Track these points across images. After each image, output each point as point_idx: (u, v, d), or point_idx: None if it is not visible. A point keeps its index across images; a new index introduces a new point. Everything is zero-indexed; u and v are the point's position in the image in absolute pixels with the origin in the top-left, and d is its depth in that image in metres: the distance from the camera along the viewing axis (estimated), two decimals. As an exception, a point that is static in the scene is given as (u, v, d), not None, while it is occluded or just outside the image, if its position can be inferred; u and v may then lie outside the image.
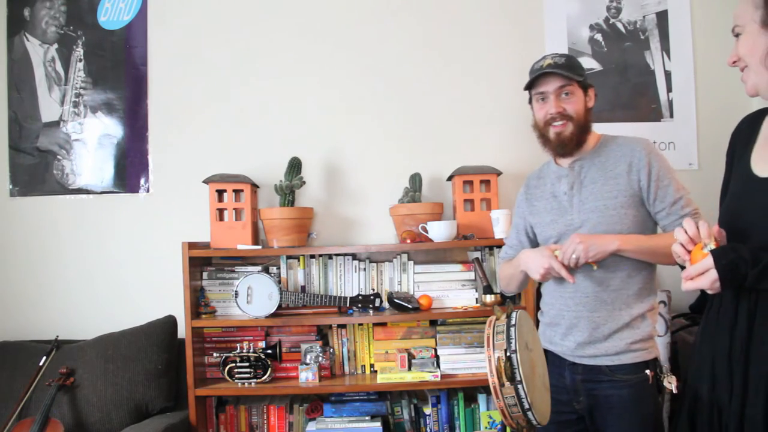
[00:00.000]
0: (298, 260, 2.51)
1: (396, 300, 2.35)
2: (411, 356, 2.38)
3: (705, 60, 2.68)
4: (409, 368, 2.34)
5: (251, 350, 2.34)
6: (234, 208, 2.45)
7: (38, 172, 2.67)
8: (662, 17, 2.70)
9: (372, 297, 2.37)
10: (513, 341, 1.31)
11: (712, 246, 1.12)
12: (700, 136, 2.67)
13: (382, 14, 2.69)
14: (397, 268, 2.50)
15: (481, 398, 2.38)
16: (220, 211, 2.46)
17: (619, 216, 1.58)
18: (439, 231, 2.37)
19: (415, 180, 2.52)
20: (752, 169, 1.22)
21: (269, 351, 2.36)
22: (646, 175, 1.58)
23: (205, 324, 2.40)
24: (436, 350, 2.41)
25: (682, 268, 1.20)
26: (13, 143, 2.68)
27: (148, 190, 2.67)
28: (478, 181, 2.47)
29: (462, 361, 2.38)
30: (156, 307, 2.50)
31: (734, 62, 1.24)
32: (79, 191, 2.68)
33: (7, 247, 2.66)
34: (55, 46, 2.70)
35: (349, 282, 2.51)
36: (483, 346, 1.39)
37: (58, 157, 2.68)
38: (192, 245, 2.35)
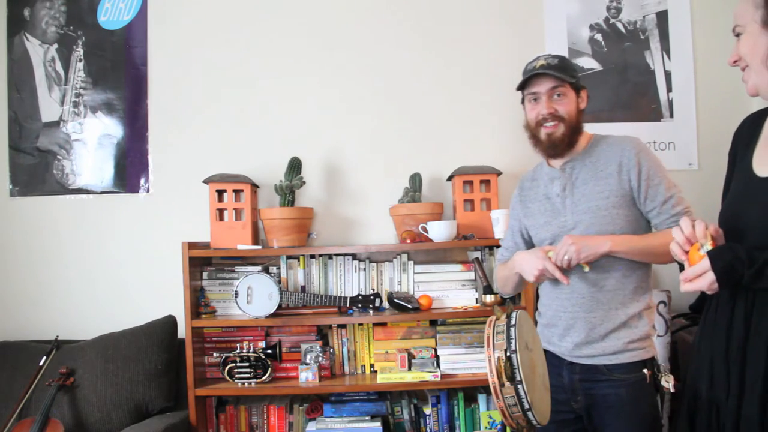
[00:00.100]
0: (298, 260, 2.51)
1: (396, 300, 2.35)
2: (411, 356, 2.38)
3: (705, 60, 2.68)
4: (409, 368, 2.34)
5: (251, 350, 2.34)
6: (234, 208, 2.45)
7: (38, 172, 2.67)
8: (662, 17, 2.70)
9: (372, 297, 2.37)
10: (513, 341, 1.31)
11: (709, 246, 1.12)
12: (700, 136, 2.67)
13: (381, 14, 2.69)
14: (397, 268, 2.50)
15: (481, 398, 2.38)
16: (220, 211, 2.46)
17: (611, 216, 1.58)
18: (439, 231, 2.37)
19: (415, 180, 2.52)
20: (753, 169, 1.22)
21: (269, 351, 2.36)
22: (636, 174, 1.58)
23: (205, 324, 2.40)
24: (436, 350, 2.41)
25: (681, 268, 1.20)
26: (13, 143, 2.68)
27: (148, 190, 2.67)
28: (478, 181, 2.47)
29: (462, 361, 2.38)
30: (156, 307, 2.50)
31: (735, 62, 1.24)
32: (79, 191, 2.68)
33: (7, 247, 2.66)
34: (55, 46, 2.70)
35: (349, 282, 2.51)
36: (483, 346, 1.39)
37: (58, 157, 2.68)
38: (192, 245, 2.35)
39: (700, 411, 1.26)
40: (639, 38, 2.70)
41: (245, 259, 2.55)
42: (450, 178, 2.56)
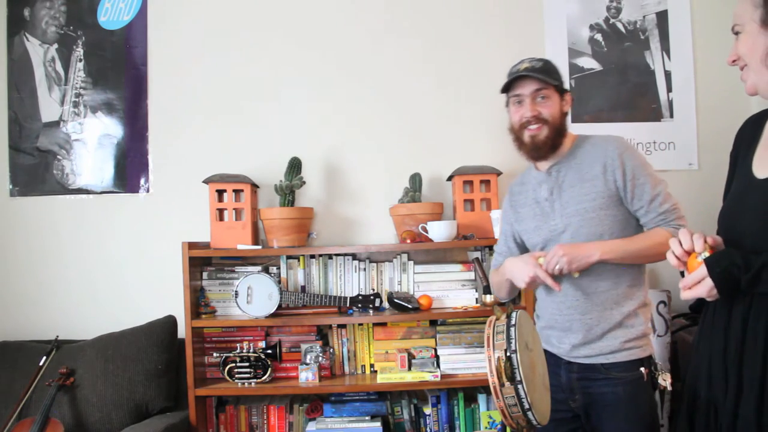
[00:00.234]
0: (298, 260, 2.51)
1: (396, 300, 2.35)
2: (411, 356, 2.38)
3: (705, 60, 2.68)
4: (409, 368, 2.34)
5: (251, 350, 2.34)
6: (234, 208, 2.45)
7: (38, 172, 2.67)
8: (662, 17, 2.70)
9: (372, 297, 2.37)
10: (513, 341, 1.31)
11: (707, 254, 1.13)
12: (700, 136, 2.67)
13: (381, 14, 2.69)
14: (397, 268, 2.50)
15: (481, 398, 2.38)
16: (220, 211, 2.46)
17: (600, 218, 1.59)
18: (439, 231, 2.37)
19: (415, 180, 2.52)
20: (753, 170, 1.22)
21: (269, 351, 2.36)
22: (621, 174, 1.58)
23: (205, 324, 2.40)
24: (436, 350, 2.41)
25: (682, 273, 1.20)
26: (13, 143, 2.68)
27: (148, 190, 2.67)
28: (478, 181, 2.47)
29: (462, 361, 2.38)
30: (156, 307, 2.50)
31: (734, 61, 1.24)
32: (79, 191, 2.68)
33: (7, 247, 2.66)
34: (55, 46, 2.70)
35: (349, 282, 2.51)
36: (483, 346, 1.39)
37: (58, 157, 2.68)
38: (192, 245, 2.35)
39: (699, 411, 1.26)
40: (639, 38, 2.70)
41: (245, 259, 2.56)
42: (450, 178, 2.56)
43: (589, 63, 2.70)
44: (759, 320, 1.12)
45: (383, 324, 2.45)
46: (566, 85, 1.69)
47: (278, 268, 2.51)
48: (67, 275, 2.65)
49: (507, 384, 1.29)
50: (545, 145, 1.63)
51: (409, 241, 2.40)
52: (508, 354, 1.30)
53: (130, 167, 2.68)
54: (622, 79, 2.70)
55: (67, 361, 2.31)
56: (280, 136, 2.66)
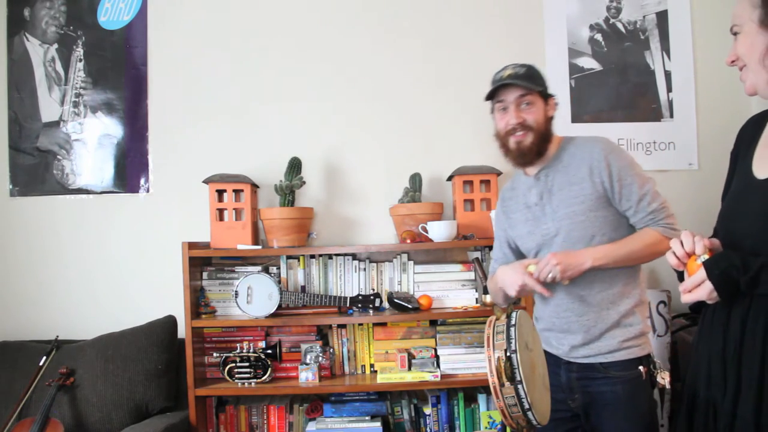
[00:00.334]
0: (298, 260, 2.51)
1: (396, 300, 2.35)
2: (411, 356, 2.38)
3: (705, 60, 2.68)
4: (409, 368, 2.34)
5: (251, 350, 2.34)
6: (234, 208, 2.45)
7: (38, 172, 2.67)
8: (662, 17, 2.70)
9: (372, 297, 2.37)
10: (513, 341, 1.31)
11: (706, 256, 1.13)
12: (700, 136, 2.67)
13: (381, 14, 2.69)
14: (397, 268, 2.50)
15: (481, 398, 2.38)
16: (220, 211, 2.46)
17: (590, 220, 1.59)
18: (439, 231, 2.37)
19: (415, 180, 2.52)
20: (752, 170, 1.22)
21: (269, 351, 2.36)
22: (608, 176, 1.57)
23: (205, 324, 2.40)
24: (436, 350, 2.41)
25: (680, 277, 1.20)
26: (13, 143, 2.68)
27: (148, 190, 2.67)
28: (478, 181, 2.47)
29: (462, 361, 2.38)
30: (156, 307, 2.50)
31: (732, 62, 1.24)
32: (79, 191, 2.68)
33: (7, 247, 2.66)
34: (55, 46, 2.70)
35: (349, 282, 2.51)
36: (483, 346, 1.39)
37: (58, 157, 2.68)
38: (192, 245, 2.35)
39: (698, 411, 1.26)
40: (639, 38, 2.70)
41: (245, 259, 2.56)
42: (450, 178, 2.56)
43: (589, 63, 2.70)
44: (757, 321, 1.12)
45: (383, 324, 2.45)
46: (550, 90, 1.68)
47: (278, 268, 2.51)
48: (67, 275, 2.65)
49: (507, 384, 1.29)
50: (531, 151, 1.63)
51: (409, 241, 2.40)
52: (508, 354, 1.30)
53: (130, 167, 2.68)
54: (622, 79, 2.70)
55: (67, 361, 2.31)
56: (280, 136, 2.66)
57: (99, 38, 2.69)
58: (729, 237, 1.20)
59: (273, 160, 2.59)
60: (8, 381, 2.29)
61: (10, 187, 2.68)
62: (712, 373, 1.22)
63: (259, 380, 2.33)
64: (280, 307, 2.36)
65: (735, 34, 1.22)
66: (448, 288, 2.47)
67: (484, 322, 1.44)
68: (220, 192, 2.47)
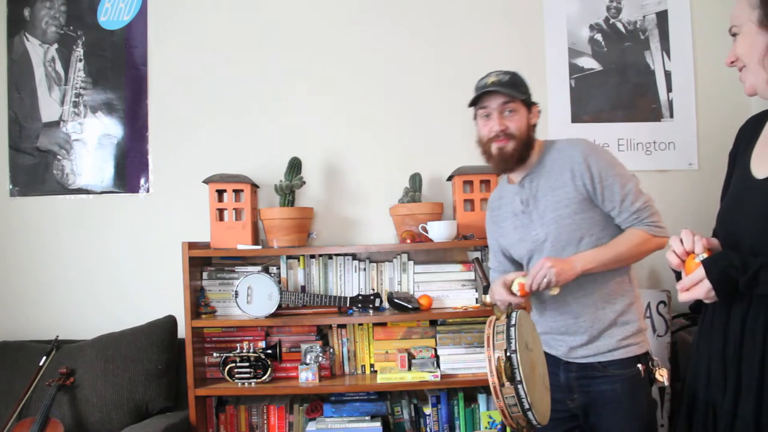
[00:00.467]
0: (298, 260, 2.51)
1: (396, 300, 2.35)
2: (411, 356, 2.38)
3: (705, 60, 2.68)
4: (409, 368, 2.34)
5: (251, 350, 2.34)
6: (234, 208, 2.45)
7: (38, 172, 2.67)
8: (662, 17, 2.70)
9: (372, 297, 2.37)
10: (513, 341, 1.31)
11: (705, 255, 1.13)
12: (700, 136, 2.67)
13: (380, 14, 2.69)
14: (397, 268, 2.50)
15: (481, 398, 2.38)
16: (220, 211, 2.46)
17: (576, 223, 1.59)
18: (439, 231, 2.37)
19: (415, 180, 2.52)
20: (751, 170, 1.22)
21: (269, 351, 2.36)
22: (589, 178, 1.57)
23: (205, 324, 2.40)
24: (436, 350, 2.41)
25: (678, 277, 1.20)
26: (13, 143, 2.68)
27: (148, 190, 2.68)
28: (478, 181, 2.47)
29: (462, 361, 2.38)
30: (156, 307, 2.50)
31: (732, 62, 1.24)
32: (79, 191, 2.68)
33: (7, 247, 2.66)
34: (55, 46, 2.70)
35: (349, 282, 2.51)
36: (483, 346, 1.39)
37: (58, 157, 2.68)
38: (192, 245, 2.35)
39: (698, 411, 1.26)
40: (639, 38, 2.70)
41: (245, 259, 2.56)
42: (450, 178, 2.56)
43: (589, 63, 2.70)
44: (757, 321, 1.12)
45: (383, 324, 2.45)
46: (534, 98, 1.69)
47: (278, 268, 2.52)
48: (67, 275, 2.65)
49: (507, 384, 1.29)
50: (512, 157, 1.63)
51: (409, 241, 2.40)
52: (508, 354, 1.30)
53: (130, 167, 2.68)
54: (622, 79, 2.70)
55: (67, 361, 2.31)
56: (280, 136, 2.66)
57: (99, 38, 2.69)
58: (728, 237, 1.20)
59: (273, 160, 2.59)
60: (8, 381, 2.29)
61: (10, 187, 2.68)
62: (711, 372, 1.22)
63: (259, 380, 2.33)
64: (280, 307, 2.36)
65: (734, 35, 1.22)
66: (448, 288, 2.47)
67: (484, 322, 1.44)
68: (220, 192, 2.47)
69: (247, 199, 2.45)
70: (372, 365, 2.46)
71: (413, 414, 2.42)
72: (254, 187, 2.56)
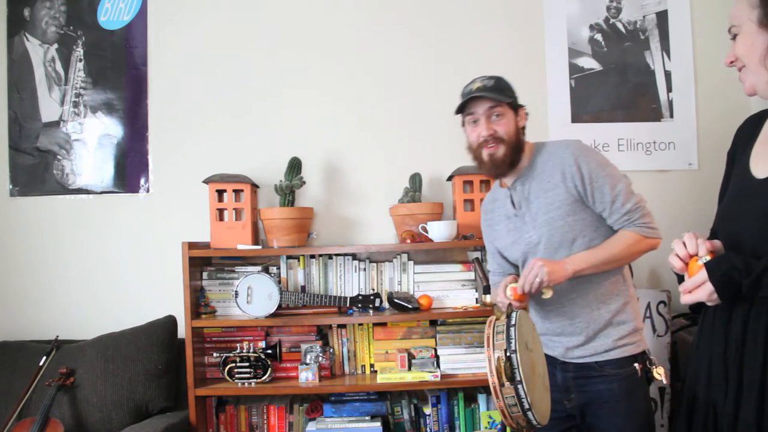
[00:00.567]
0: (298, 260, 2.51)
1: (396, 300, 2.35)
2: (411, 356, 2.38)
3: (705, 60, 2.68)
4: (409, 368, 2.34)
5: (251, 350, 2.34)
6: (234, 208, 2.45)
7: (38, 172, 2.67)
8: (662, 17, 2.70)
9: (372, 297, 2.37)
10: (513, 341, 1.31)
11: (707, 258, 1.12)
12: (700, 136, 2.67)
13: (381, 15, 2.69)
14: (397, 268, 2.50)
15: (481, 398, 2.38)
16: (220, 211, 2.46)
17: (568, 225, 1.59)
18: (439, 231, 2.37)
19: (415, 180, 2.52)
20: (750, 169, 1.22)
21: (269, 351, 2.36)
22: (579, 179, 1.57)
23: (205, 324, 2.40)
24: (436, 350, 2.41)
25: (680, 279, 1.20)
26: (13, 143, 2.68)
27: (148, 190, 2.68)
28: (478, 181, 2.47)
29: (462, 361, 2.38)
30: (156, 307, 2.50)
31: (731, 62, 1.23)
32: (79, 191, 2.68)
33: (7, 247, 2.66)
34: (55, 46, 2.70)
35: (349, 282, 2.51)
36: (483, 346, 1.39)
37: (58, 157, 2.68)
38: (192, 245, 2.35)
39: (698, 412, 1.26)
40: (639, 38, 2.70)
41: (245, 259, 2.56)
42: (450, 178, 2.56)
43: (589, 63, 2.70)
44: (759, 322, 1.12)
45: (383, 324, 2.45)
46: (520, 101, 1.69)
47: (278, 268, 2.51)
48: (67, 275, 2.65)
49: (507, 384, 1.29)
50: (504, 162, 1.63)
51: (409, 241, 2.40)
52: (508, 354, 1.30)
53: (130, 167, 2.68)
54: (622, 79, 2.70)
55: (67, 361, 2.31)
56: (280, 136, 2.66)
57: (99, 38, 2.69)
58: (729, 238, 1.19)
59: (273, 160, 2.59)
60: (8, 381, 2.29)
61: (10, 187, 2.68)
62: (712, 373, 1.21)
63: (259, 380, 2.33)
64: (280, 307, 2.36)
65: (733, 35, 1.22)
66: (448, 288, 2.47)
67: (484, 322, 1.44)
68: (220, 192, 2.47)
69: (247, 199, 2.45)
70: (372, 365, 2.46)
71: (413, 414, 2.42)
72: (254, 187, 2.56)
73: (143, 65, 2.69)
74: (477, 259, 2.44)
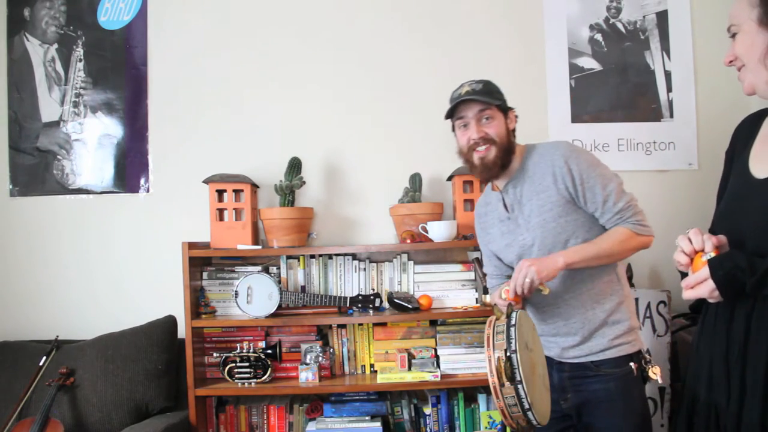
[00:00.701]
0: (298, 260, 2.51)
1: (396, 300, 2.35)
2: (411, 356, 2.38)
3: (705, 60, 2.68)
4: (409, 368, 2.34)
5: (251, 350, 2.34)
6: (234, 208, 2.45)
7: (38, 172, 2.67)
8: (662, 17, 2.70)
9: (372, 297, 2.37)
10: (513, 341, 1.31)
11: (712, 254, 1.12)
12: (700, 136, 2.67)
13: (381, 15, 2.69)
14: (397, 268, 2.50)
15: (481, 398, 2.38)
16: (220, 211, 2.46)
17: (561, 226, 1.59)
18: (439, 231, 2.37)
19: (415, 180, 2.52)
20: (750, 169, 1.21)
21: (269, 351, 2.36)
22: (570, 180, 1.58)
23: (205, 324, 2.40)
24: (436, 350, 2.41)
25: (683, 276, 1.20)
26: (13, 143, 2.68)
27: (148, 190, 2.68)
28: (478, 181, 2.47)
29: (462, 361, 2.38)
30: (156, 307, 2.50)
31: (731, 61, 1.23)
32: (79, 191, 2.68)
33: (7, 247, 2.66)
34: (55, 46, 2.70)
35: (349, 282, 2.51)
36: (483, 346, 1.39)
37: (58, 157, 2.68)
38: (192, 245, 2.35)
39: (699, 414, 1.25)
40: (639, 38, 2.70)
41: (245, 259, 2.55)
42: (450, 178, 2.56)
43: (589, 63, 2.70)
44: (763, 321, 1.11)
45: (383, 324, 2.45)
46: (509, 103, 1.70)
47: (278, 268, 2.51)
48: (67, 275, 2.65)
49: (507, 384, 1.29)
50: (495, 165, 1.64)
51: (409, 241, 2.40)
52: (508, 354, 1.30)
53: (130, 167, 2.68)
54: (622, 79, 2.70)
55: (67, 361, 2.31)
56: (280, 136, 2.66)
57: (99, 38, 2.69)
58: (730, 238, 1.19)
59: (273, 160, 2.59)
60: (8, 381, 2.29)
61: (10, 187, 2.68)
62: (714, 374, 1.21)
63: (259, 380, 2.33)
64: (280, 307, 2.36)
65: (733, 34, 1.22)
66: (448, 288, 2.47)
67: (484, 322, 1.44)
68: (220, 192, 2.47)
69: (247, 199, 2.45)
70: (372, 365, 2.46)
71: (413, 414, 2.42)
72: (254, 187, 2.56)
73: (143, 65, 2.69)
74: (477, 259, 2.44)
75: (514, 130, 1.70)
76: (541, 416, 1.34)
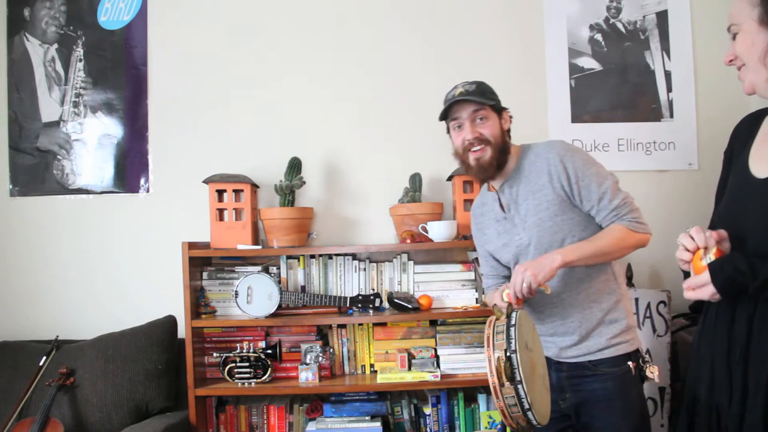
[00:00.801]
0: (298, 260, 2.51)
1: (396, 300, 2.35)
2: (411, 356, 2.38)
3: (705, 60, 2.68)
4: (409, 368, 2.34)
5: (251, 350, 2.34)
6: (234, 208, 2.45)
7: (38, 172, 2.67)
8: (662, 17, 2.70)
9: (372, 297, 2.37)
10: (513, 341, 1.31)
11: (713, 256, 1.12)
12: (700, 136, 2.67)
13: (382, 15, 2.69)
14: (397, 268, 2.50)
15: (481, 398, 2.38)
16: (220, 211, 2.46)
17: (557, 225, 1.59)
18: (439, 231, 2.37)
19: (415, 180, 2.52)
20: (750, 169, 1.21)
21: (269, 351, 2.36)
22: (566, 179, 1.58)
23: (205, 324, 2.40)
24: (436, 350, 2.41)
25: (685, 275, 1.20)
26: (13, 143, 2.68)
27: (148, 190, 2.68)
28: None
29: (462, 361, 2.38)
30: (156, 307, 2.50)
31: (730, 61, 1.23)
32: (79, 191, 2.68)
33: (7, 247, 2.66)
34: (55, 46, 2.70)
35: (349, 282, 2.51)
36: (483, 346, 1.39)
37: (58, 157, 2.68)
38: (192, 245, 2.35)
39: (700, 414, 1.25)
40: (639, 38, 2.70)
41: (245, 259, 2.56)
42: (450, 178, 2.56)
43: (589, 63, 2.70)
44: (764, 322, 1.11)
45: (383, 324, 2.45)
46: (509, 104, 1.70)
47: (278, 268, 2.51)
48: (67, 275, 2.65)
49: (507, 384, 1.29)
50: (491, 165, 1.64)
51: (409, 241, 2.40)
52: (508, 354, 1.30)
53: (130, 167, 2.68)
54: (622, 79, 2.70)
55: (67, 361, 2.31)
56: (280, 136, 2.66)
57: (99, 38, 2.69)
58: (730, 236, 1.19)
59: (273, 160, 2.59)
60: (8, 381, 2.29)
61: (10, 187, 2.68)
62: (715, 375, 1.20)
63: (259, 380, 2.33)
64: (280, 307, 2.36)
65: (733, 34, 1.22)
66: (448, 288, 2.47)
67: (484, 322, 1.44)
68: (220, 192, 2.47)
69: (247, 199, 2.45)
70: (372, 365, 2.46)
71: (413, 414, 2.42)
72: (254, 187, 2.56)
73: (143, 65, 2.69)
74: (477, 259, 2.44)
75: (508, 130, 1.70)
76: (541, 416, 1.34)
